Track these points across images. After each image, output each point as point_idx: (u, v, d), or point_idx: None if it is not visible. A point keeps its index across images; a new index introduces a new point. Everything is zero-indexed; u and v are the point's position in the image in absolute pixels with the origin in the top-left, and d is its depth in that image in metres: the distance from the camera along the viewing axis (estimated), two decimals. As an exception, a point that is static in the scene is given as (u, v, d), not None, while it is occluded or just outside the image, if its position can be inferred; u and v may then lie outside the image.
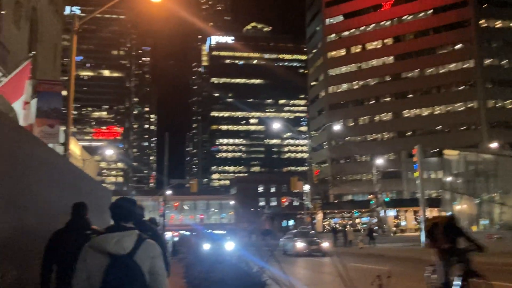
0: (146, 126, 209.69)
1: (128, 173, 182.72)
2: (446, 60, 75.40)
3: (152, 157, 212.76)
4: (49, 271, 4.80)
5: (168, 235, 41.22)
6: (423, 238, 27.87)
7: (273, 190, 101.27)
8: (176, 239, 36.05)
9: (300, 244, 24.57)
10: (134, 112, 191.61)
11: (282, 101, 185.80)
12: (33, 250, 5.47)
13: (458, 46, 75.37)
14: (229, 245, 24.02)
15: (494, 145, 50.83)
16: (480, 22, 74.08)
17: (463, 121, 73.39)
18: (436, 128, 75.48)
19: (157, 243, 3.28)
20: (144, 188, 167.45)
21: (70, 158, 14.44)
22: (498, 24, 74.91)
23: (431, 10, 78.06)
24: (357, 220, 76.73)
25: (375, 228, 62.15)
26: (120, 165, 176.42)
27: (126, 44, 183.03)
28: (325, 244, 24.93)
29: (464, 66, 74.10)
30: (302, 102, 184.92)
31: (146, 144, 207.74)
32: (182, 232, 49.55)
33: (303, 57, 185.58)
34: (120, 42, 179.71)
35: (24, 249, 5.37)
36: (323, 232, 65.45)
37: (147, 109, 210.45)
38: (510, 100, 72.44)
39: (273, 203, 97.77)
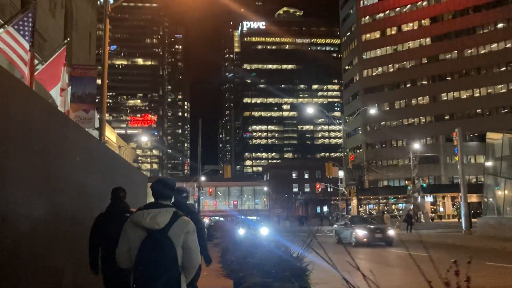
0: (180, 114, 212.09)
1: (163, 160, 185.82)
2: (486, 40, 72.36)
3: (186, 144, 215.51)
4: (96, 253, 5.07)
5: (205, 221, 41.64)
6: (464, 224, 27.00)
7: (306, 176, 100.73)
8: (211, 224, 36.34)
9: (361, 232, 20.81)
10: (167, 100, 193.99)
11: (315, 87, 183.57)
12: (76, 233, 5.50)
13: (499, 25, 72.11)
14: (264, 231, 23.88)
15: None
16: (524, -1, 70.55)
17: (505, 104, 70.50)
18: (476, 111, 72.92)
19: (196, 226, 3.45)
20: (179, 174, 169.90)
21: (106, 144, 14.55)
22: (543, 1, 71.18)
23: (471, -12, 74.85)
24: (393, 207, 75.46)
25: (413, 214, 60.98)
26: (155, 152, 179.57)
27: (159, 32, 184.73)
28: (391, 232, 21.37)
29: (507, 46, 70.91)
30: (336, 87, 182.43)
31: (180, 131, 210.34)
32: (216, 218, 49.94)
33: (336, 41, 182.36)
34: (153, 30, 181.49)
35: (62, 233, 5.32)
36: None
37: (180, 96, 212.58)
38: (556, 81, 69.07)
39: (307, 189, 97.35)
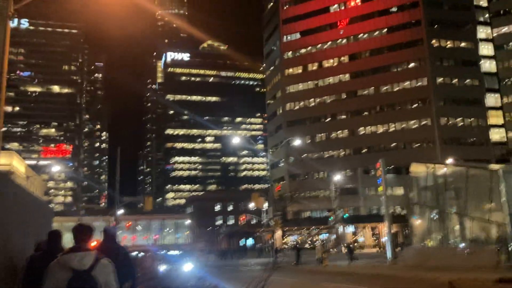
0: (97, 144, 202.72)
1: (78, 193, 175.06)
2: (400, 78, 77.04)
3: (103, 176, 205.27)
4: None
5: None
6: (389, 254, 27.00)
7: (230, 208, 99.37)
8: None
9: None
10: (84, 129, 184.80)
11: (238, 119, 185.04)
12: None
13: (412, 64, 77.23)
14: (188, 266, 22.24)
15: (449, 161, 51.42)
16: (432, 41, 76.35)
17: (417, 138, 74.75)
18: (391, 145, 76.47)
19: (128, 265, 4.70)
20: (95, 208, 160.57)
21: (12, 175, 12.36)
22: (449, 44, 77.50)
23: (385, 29, 79.81)
24: (315, 237, 75.94)
25: (350, 245, 61.43)
26: (69, 184, 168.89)
27: (77, 59, 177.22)
28: None
29: (418, 84, 75.84)
30: (259, 120, 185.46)
31: (97, 163, 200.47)
32: (134, 254, 46.66)
33: (260, 76, 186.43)
34: (71, 57, 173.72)
35: None
36: (283, 250, 64.14)
37: (98, 126, 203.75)
38: (461, 118, 74.60)
39: (231, 222, 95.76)
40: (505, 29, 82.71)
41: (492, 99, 78.48)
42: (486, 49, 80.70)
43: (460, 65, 76.18)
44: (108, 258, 3.95)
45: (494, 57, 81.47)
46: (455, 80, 75.82)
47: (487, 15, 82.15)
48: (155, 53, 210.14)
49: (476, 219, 20.35)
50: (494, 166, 21.19)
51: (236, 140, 51.37)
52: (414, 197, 24.31)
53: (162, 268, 18.70)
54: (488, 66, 79.80)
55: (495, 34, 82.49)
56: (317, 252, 30.20)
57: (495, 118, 77.85)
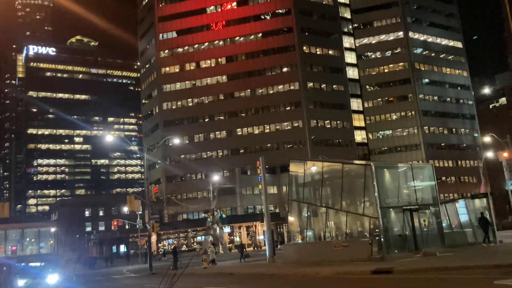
0: None
1: None
2: (274, 82, 79.83)
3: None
4: None
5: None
6: (268, 252, 27.17)
7: (101, 214, 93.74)
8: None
9: None
10: None
11: (111, 119, 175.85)
12: None
13: (285, 69, 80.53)
14: (52, 279, 19.79)
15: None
16: (304, 48, 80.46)
17: (290, 139, 78.12)
18: (267, 145, 78.75)
19: None
20: None
21: None
22: (319, 51, 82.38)
23: (260, 34, 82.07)
24: (192, 240, 74.98)
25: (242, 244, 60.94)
26: None
27: None
28: None
29: (291, 88, 79.28)
30: (133, 120, 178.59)
31: None
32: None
33: (134, 74, 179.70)
34: None
35: None
36: (158, 254, 62.04)
37: None
38: (328, 120, 79.77)
39: (102, 228, 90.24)
40: (365, 40, 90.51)
41: (355, 104, 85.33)
42: (350, 57, 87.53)
43: (328, 71, 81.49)
44: None
45: (357, 65, 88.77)
46: (324, 85, 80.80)
47: (351, 26, 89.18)
48: (14, 46, 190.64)
49: (351, 214, 21.34)
50: (367, 163, 22.41)
51: (109, 138, 48.09)
52: (292, 194, 24.78)
53: (21, 282, 16.19)
54: (352, 73, 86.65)
55: (357, 44, 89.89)
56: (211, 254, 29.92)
57: (357, 121, 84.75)
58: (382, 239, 19.13)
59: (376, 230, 19.55)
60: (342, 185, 21.42)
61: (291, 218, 24.63)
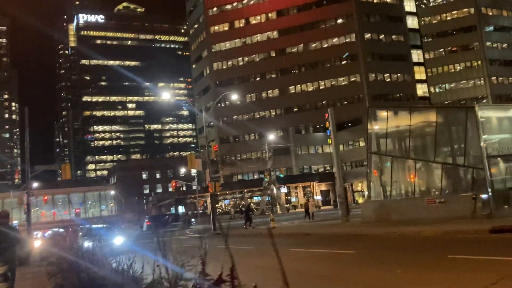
0: (7, 116, 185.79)
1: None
2: (329, 35, 75.56)
3: (16, 150, 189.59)
4: None
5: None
6: (341, 212, 25.04)
7: (158, 176, 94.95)
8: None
9: None
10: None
11: (161, 85, 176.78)
12: None
13: (340, 20, 75.89)
14: (118, 240, 18.71)
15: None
16: (360, -4, 75.25)
17: (347, 95, 74.38)
18: (322, 103, 75.47)
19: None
20: (9, 184, 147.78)
21: None
22: (375, -1, 76.97)
23: (313, -15, 77.37)
24: (249, 200, 74.28)
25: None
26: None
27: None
28: None
29: (346, 41, 74.86)
30: (182, 85, 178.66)
31: (7, 135, 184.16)
32: (55, 230, 41.65)
33: (181, 39, 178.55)
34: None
35: None
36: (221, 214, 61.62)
37: (6, 96, 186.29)
38: (388, 74, 75.11)
39: (159, 190, 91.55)
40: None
41: (415, 55, 79.80)
42: (408, 5, 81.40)
43: (387, 21, 76.12)
44: None
45: (416, 13, 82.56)
46: (382, 36, 75.75)
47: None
48: (65, 16, 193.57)
49: (448, 165, 18.64)
50: (469, 105, 19.45)
51: (166, 95, 46.97)
52: (371, 146, 22.18)
53: (88, 244, 14.79)
54: (411, 22, 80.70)
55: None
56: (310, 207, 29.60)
57: (418, 73, 79.45)
58: (489, 193, 16.46)
59: (480, 183, 16.86)
60: (436, 133, 18.62)
61: (371, 173, 22.16)
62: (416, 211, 18.28)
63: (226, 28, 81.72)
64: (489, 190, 16.55)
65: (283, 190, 69.07)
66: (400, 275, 7.30)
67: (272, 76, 79.28)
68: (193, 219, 52.99)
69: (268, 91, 79.33)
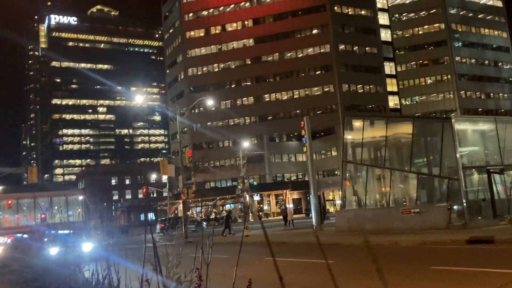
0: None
1: None
2: (304, 44, 76.14)
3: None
4: None
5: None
6: (314, 220, 24.91)
7: (127, 182, 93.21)
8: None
9: None
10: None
11: (133, 89, 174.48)
12: None
13: (315, 30, 76.60)
14: (87, 246, 18.12)
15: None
16: (335, 7, 76.18)
17: (321, 105, 74.95)
18: (296, 112, 75.81)
19: None
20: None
21: None
22: (351, 10, 78.04)
23: (289, -6, 77.95)
24: (221, 208, 73.63)
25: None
26: None
27: None
28: None
29: (321, 51, 75.56)
30: (155, 90, 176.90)
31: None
32: (18, 235, 40.02)
33: (156, 43, 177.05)
34: None
35: None
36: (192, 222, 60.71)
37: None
38: (361, 85, 76.12)
39: (128, 196, 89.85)
40: (398, 0, 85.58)
41: (387, 68, 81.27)
42: (382, 18, 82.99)
43: (361, 33, 77.28)
44: None
45: (389, 27, 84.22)
46: (356, 47, 76.82)
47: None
48: (36, 17, 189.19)
49: (424, 175, 18.73)
50: (446, 116, 19.63)
51: (139, 99, 46.13)
52: (347, 155, 22.13)
53: (54, 251, 14.31)
54: (384, 35, 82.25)
55: (390, 4, 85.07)
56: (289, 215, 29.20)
57: (390, 85, 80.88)
58: (464, 204, 16.56)
59: (455, 194, 16.96)
60: (412, 144, 18.70)
61: (346, 182, 22.10)
62: (391, 221, 18.27)
63: (202, 34, 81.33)
64: (464, 200, 16.68)
65: (256, 198, 68.79)
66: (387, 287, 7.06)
67: (248, 83, 79.23)
68: (204, 223, 52.13)
69: (243, 99, 79.19)
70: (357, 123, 22.38)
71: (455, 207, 17.27)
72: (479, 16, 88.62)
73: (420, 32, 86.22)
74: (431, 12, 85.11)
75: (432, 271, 8.38)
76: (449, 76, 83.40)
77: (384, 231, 17.61)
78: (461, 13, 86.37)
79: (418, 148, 19.08)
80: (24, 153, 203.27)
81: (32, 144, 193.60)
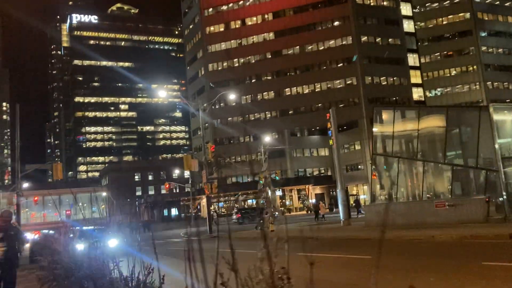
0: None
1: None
2: (325, 37, 75.06)
3: (6, 151, 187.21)
4: None
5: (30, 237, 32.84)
6: (341, 214, 24.32)
7: (150, 178, 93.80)
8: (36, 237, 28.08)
9: None
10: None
11: (154, 86, 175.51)
12: None
13: (337, 22, 75.45)
14: (113, 242, 17.68)
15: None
16: (357, -1, 74.85)
17: (343, 98, 73.85)
18: (318, 105, 74.94)
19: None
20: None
21: None
22: (372, 1, 76.58)
23: (310, -14, 76.91)
24: (243, 203, 73.48)
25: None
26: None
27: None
28: None
29: (343, 43, 74.40)
30: (176, 87, 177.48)
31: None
32: (45, 231, 40.49)
33: (175, 40, 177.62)
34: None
35: None
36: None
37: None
38: (384, 77, 74.73)
39: (152, 192, 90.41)
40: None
41: (410, 59, 79.56)
42: (404, 9, 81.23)
43: (383, 24, 75.77)
44: None
45: (412, 17, 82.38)
46: (378, 39, 75.38)
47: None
48: (58, 16, 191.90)
49: (459, 167, 17.99)
50: (483, 105, 18.80)
51: (162, 94, 46.06)
52: (377, 147, 21.45)
53: (81, 246, 13.89)
54: (407, 26, 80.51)
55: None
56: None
57: (413, 77, 79.21)
58: (504, 196, 15.80)
59: (493, 186, 16.19)
60: (446, 134, 17.94)
61: (376, 175, 21.43)
62: (423, 215, 17.59)
63: (222, 29, 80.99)
64: (504, 193, 15.91)
65: (278, 193, 68.36)
66: (436, 284, 6.56)
67: (268, 78, 78.62)
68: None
69: (264, 93, 78.63)
70: (386, 115, 21.64)
71: (498, 199, 16.48)
72: (506, 4, 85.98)
73: (444, 22, 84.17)
74: (455, 1, 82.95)
75: (484, 267, 7.81)
76: (474, 66, 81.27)
77: (417, 225, 16.96)
78: (487, 1, 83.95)
79: (451, 139, 18.30)
80: (48, 151, 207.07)
81: (56, 142, 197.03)
